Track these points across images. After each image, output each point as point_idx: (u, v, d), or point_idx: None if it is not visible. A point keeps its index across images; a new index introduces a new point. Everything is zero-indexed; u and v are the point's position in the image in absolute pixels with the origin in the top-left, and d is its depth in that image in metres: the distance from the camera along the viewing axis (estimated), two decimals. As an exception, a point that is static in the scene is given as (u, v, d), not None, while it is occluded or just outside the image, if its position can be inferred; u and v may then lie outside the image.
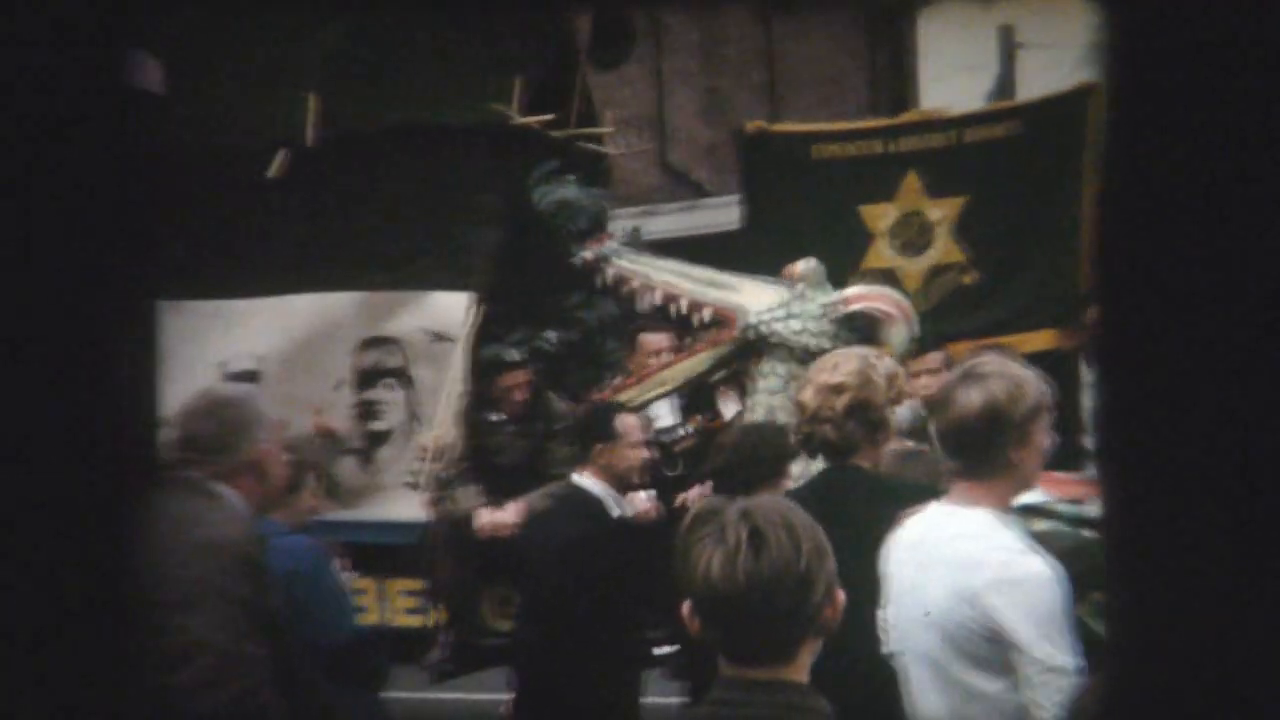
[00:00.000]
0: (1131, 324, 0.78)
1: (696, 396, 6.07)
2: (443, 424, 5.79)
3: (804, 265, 5.54)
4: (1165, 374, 0.78)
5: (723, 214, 7.38)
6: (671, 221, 7.62)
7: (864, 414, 3.42)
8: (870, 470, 3.45)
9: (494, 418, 5.90)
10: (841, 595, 1.89)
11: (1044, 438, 2.71)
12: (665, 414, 6.03)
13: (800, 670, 1.86)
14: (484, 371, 5.85)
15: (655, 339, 5.97)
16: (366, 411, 6.07)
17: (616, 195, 7.13)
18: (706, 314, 5.58)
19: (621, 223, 6.42)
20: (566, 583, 4.19)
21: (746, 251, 6.44)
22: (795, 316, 5.39)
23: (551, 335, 5.93)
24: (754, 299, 5.48)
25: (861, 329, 5.38)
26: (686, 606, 1.87)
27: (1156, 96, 0.76)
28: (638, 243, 6.29)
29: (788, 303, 5.42)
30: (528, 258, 5.95)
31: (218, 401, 3.20)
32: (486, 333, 5.92)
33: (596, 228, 5.91)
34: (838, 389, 3.44)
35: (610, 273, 5.67)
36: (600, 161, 6.45)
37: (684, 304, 5.60)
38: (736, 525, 1.82)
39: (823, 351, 4.92)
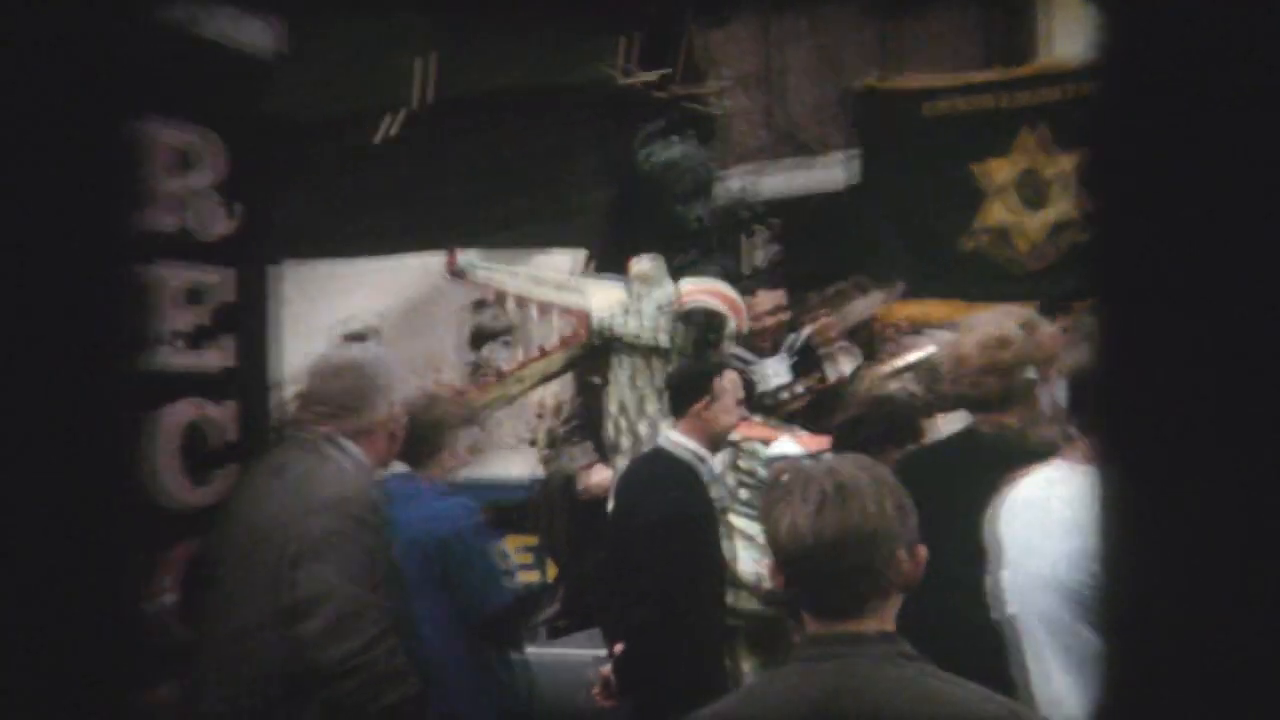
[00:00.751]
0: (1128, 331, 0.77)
1: (807, 357, 6.07)
2: (558, 382, 5.87)
3: (639, 266, 5.55)
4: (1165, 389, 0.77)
5: (832, 173, 7.31)
6: (780, 181, 7.57)
7: (1021, 370, 3.40)
8: (1017, 429, 3.42)
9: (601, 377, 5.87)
10: (924, 551, 1.92)
11: None
12: (781, 372, 6.02)
13: (886, 622, 1.89)
14: (598, 330, 5.78)
15: (769, 298, 6.00)
16: (482, 369, 6.15)
17: (724, 155, 7.04)
18: (556, 316, 5.63)
19: (729, 183, 6.39)
20: (654, 554, 4.03)
21: (857, 211, 6.43)
22: (633, 315, 5.42)
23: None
24: (598, 300, 5.53)
25: (699, 323, 5.40)
26: (771, 563, 1.91)
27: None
28: (744, 202, 6.12)
29: (626, 303, 5.46)
30: (634, 217, 5.96)
31: (349, 362, 3.20)
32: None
33: (703, 188, 5.89)
34: (1003, 343, 3.42)
35: (480, 276, 5.72)
36: (708, 121, 6.46)
37: (535, 309, 5.66)
38: (820, 481, 1.86)
39: (659, 347, 5.20)
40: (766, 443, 4.89)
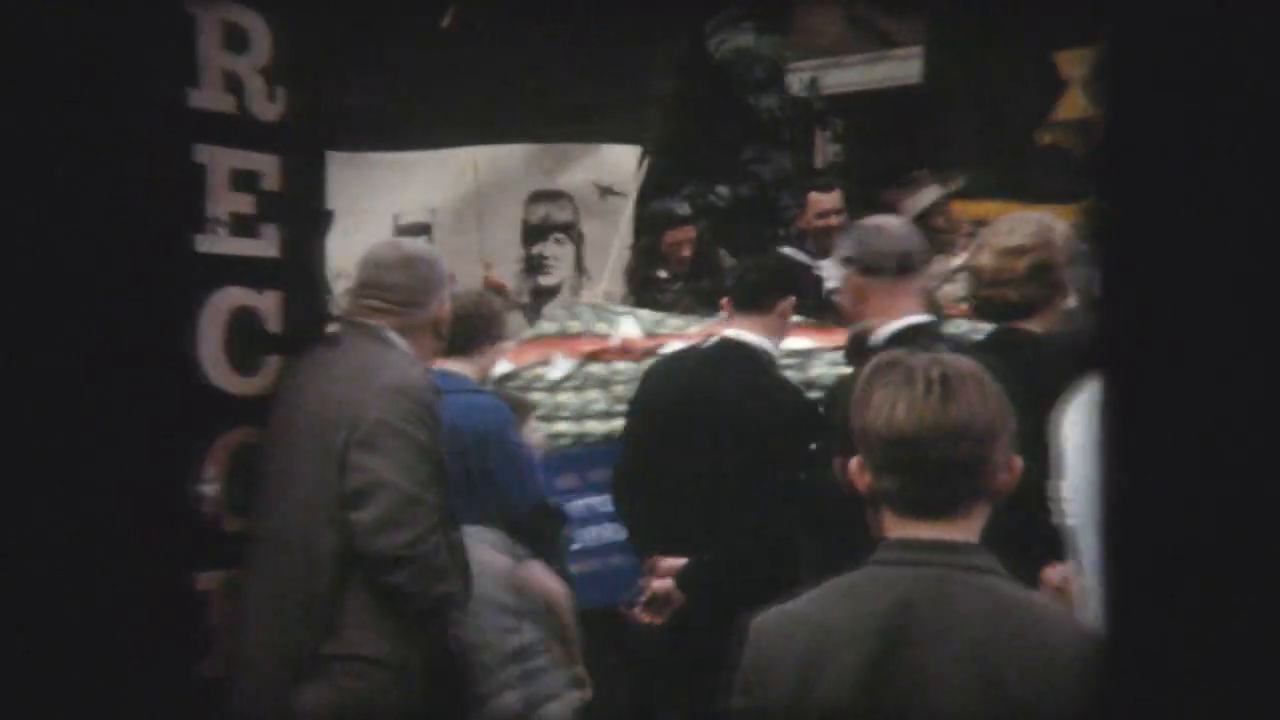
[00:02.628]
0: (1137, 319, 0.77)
1: None
2: (611, 279, 5.92)
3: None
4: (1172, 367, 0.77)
5: (908, 66, 7.20)
6: (854, 74, 7.47)
7: (1044, 275, 3.41)
8: (1044, 333, 3.43)
9: (662, 274, 5.96)
10: (1019, 462, 1.88)
11: None
12: (836, 275, 5.96)
13: (972, 531, 1.85)
14: (652, 227, 5.94)
15: (825, 198, 5.93)
16: (534, 265, 6.28)
17: (797, 45, 6.92)
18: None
19: (801, 74, 6.33)
20: (734, 439, 3.87)
21: (930, 105, 6.30)
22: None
23: (723, 190, 5.95)
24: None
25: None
26: (856, 461, 1.87)
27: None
28: (816, 94, 6.11)
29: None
30: (702, 108, 6.03)
31: (409, 256, 3.22)
32: (657, 187, 6.06)
33: (775, 78, 5.94)
34: (1018, 251, 3.44)
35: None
36: (780, 9, 6.47)
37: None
38: (926, 371, 1.83)
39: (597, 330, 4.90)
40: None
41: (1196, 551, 0.76)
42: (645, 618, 3.86)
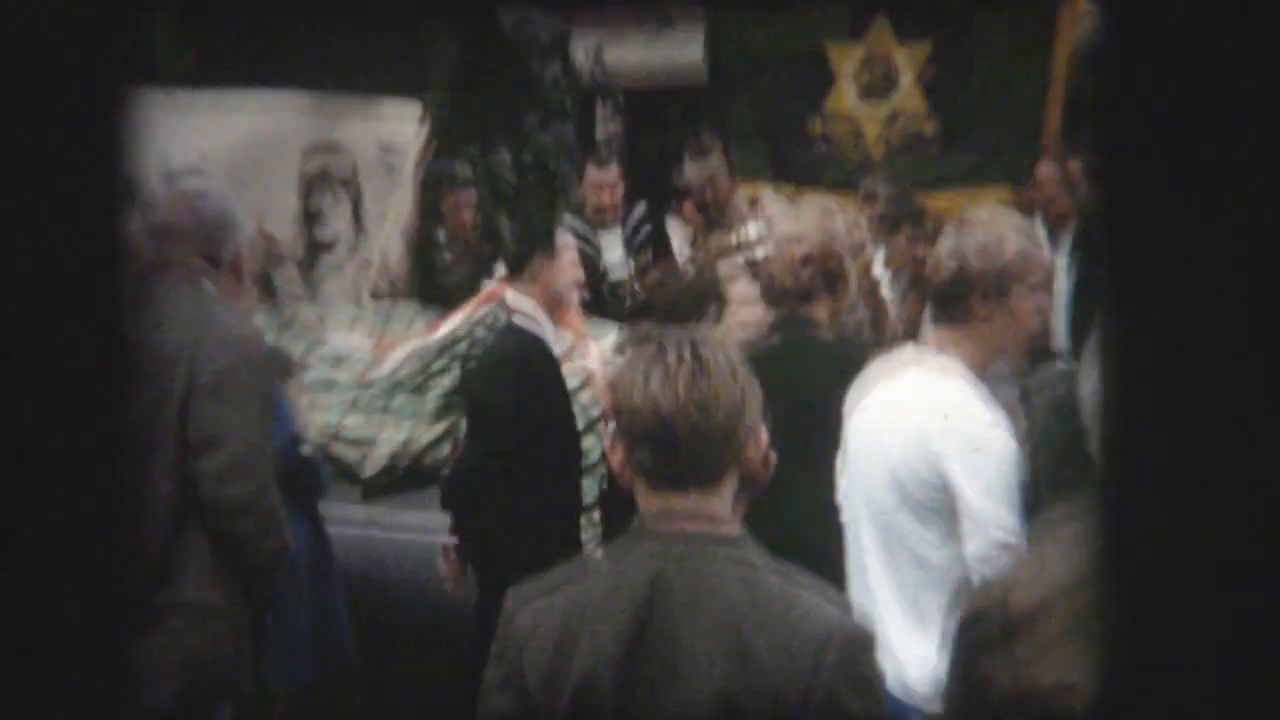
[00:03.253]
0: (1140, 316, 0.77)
1: (648, 235, 6.16)
2: (388, 237, 5.85)
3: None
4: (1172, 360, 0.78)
5: (689, 49, 7.39)
6: (636, 52, 7.59)
7: (823, 264, 3.51)
8: (823, 322, 3.56)
9: (440, 236, 6.01)
10: (765, 435, 1.96)
11: (1022, 300, 2.78)
12: (614, 248, 6.13)
13: (724, 502, 1.89)
14: (434, 187, 5.91)
15: (601, 175, 6.07)
16: (310, 219, 6.12)
17: (579, 16, 6.78)
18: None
19: (585, 43, 6.25)
20: (511, 422, 3.94)
21: (713, 90, 6.56)
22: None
23: (504, 155, 5.79)
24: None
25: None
26: (610, 435, 1.93)
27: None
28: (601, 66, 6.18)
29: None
30: (485, 71, 5.86)
31: (208, 191, 3.19)
32: (438, 147, 5.89)
33: (560, 45, 5.87)
34: (797, 239, 3.54)
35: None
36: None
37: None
38: (678, 345, 1.88)
39: None
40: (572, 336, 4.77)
41: (1197, 554, 0.77)
42: (445, 573, 4.11)
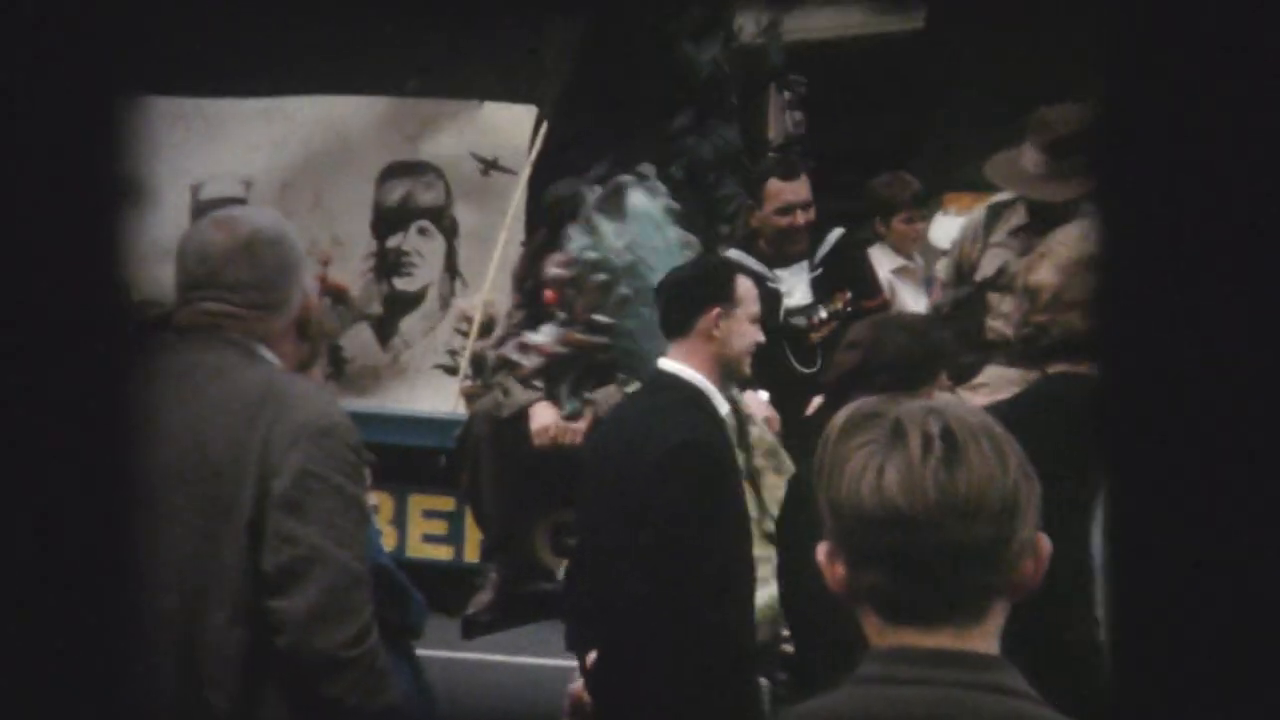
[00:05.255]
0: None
1: (840, 267, 5.48)
2: (494, 286, 5.55)
3: None
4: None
5: (885, 16, 6.86)
6: (822, 19, 7.00)
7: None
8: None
9: None
10: (1047, 544, 1.73)
11: None
12: (798, 290, 5.47)
13: (990, 642, 1.66)
14: (553, 216, 5.27)
15: (789, 188, 5.39)
16: (390, 265, 5.73)
17: None
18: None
19: (756, 16, 5.70)
20: (666, 510, 3.73)
21: (921, 61, 5.93)
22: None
23: (648, 169, 5.21)
24: None
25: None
26: (826, 547, 1.69)
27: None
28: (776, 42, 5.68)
29: None
30: (618, 60, 5.41)
31: (251, 237, 2.90)
32: (559, 163, 5.48)
33: (721, 21, 5.43)
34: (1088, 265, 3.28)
35: None
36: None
37: None
38: (922, 423, 1.66)
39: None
40: None
41: (1201, 562, 0.91)
42: None
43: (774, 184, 5.31)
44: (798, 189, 5.38)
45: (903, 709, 1.66)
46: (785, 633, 4.10)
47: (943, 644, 1.67)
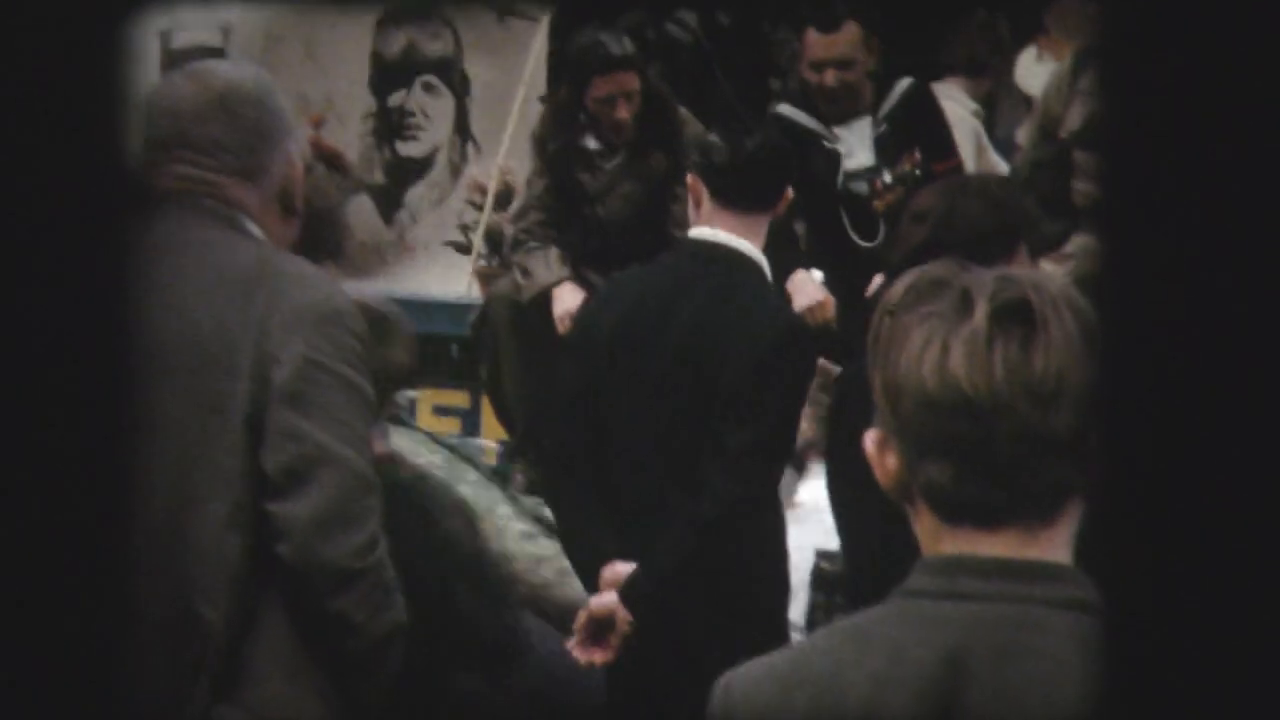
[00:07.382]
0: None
1: (909, 124, 5.27)
2: (512, 151, 5.51)
3: None
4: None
5: None
6: None
7: None
8: None
9: (590, 144, 5.25)
10: None
11: None
12: (859, 149, 5.26)
13: (1061, 548, 1.58)
14: (577, 71, 5.13)
15: (827, 41, 5.10)
16: (392, 126, 5.71)
17: None
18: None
19: None
20: (778, 401, 3.72)
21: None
22: None
23: (688, 17, 5.28)
24: None
25: None
26: (875, 435, 1.61)
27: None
28: None
29: None
30: None
31: (226, 84, 2.84)
32: (582, 10, 5.48)
33: None
34: None
35: None
36: None
37: None
38: (993, 294, 1.56)
39: None
40: None
41: (1198, 547, 0.90)
42: (584, 656, 3.70)
43: (810, 35, 5.11)
44: (832, 43, 5.10)
45: (965, 629, 1.58)
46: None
47: (1010, 548, 1.61)
